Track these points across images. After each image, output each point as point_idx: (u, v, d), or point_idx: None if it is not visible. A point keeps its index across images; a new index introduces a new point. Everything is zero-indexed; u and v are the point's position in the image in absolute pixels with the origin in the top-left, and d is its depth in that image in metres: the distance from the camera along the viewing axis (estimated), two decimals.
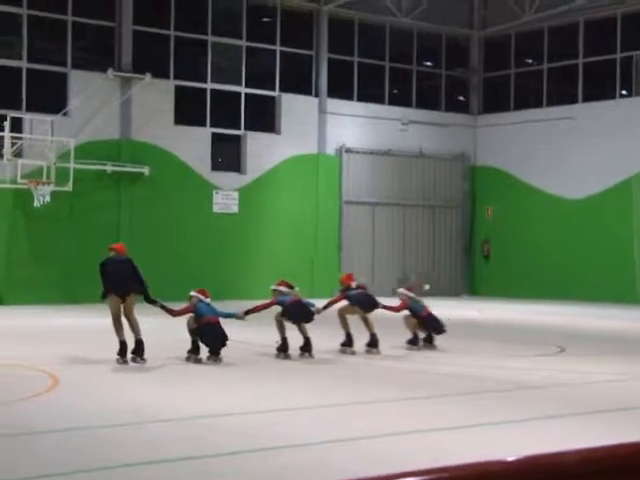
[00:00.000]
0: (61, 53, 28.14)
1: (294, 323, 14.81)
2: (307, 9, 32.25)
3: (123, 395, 10.97)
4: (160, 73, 29.30)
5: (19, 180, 26.27)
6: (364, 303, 15.63)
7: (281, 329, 14.83)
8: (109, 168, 28.18)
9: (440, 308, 27.02)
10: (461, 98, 36.16)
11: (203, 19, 30.35)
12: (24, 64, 27.48)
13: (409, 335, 16.39)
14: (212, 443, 8.25)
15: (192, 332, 14.08)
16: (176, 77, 29.85)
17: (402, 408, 10.38)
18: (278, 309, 14.90)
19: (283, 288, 15.30)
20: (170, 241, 28.98)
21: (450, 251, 35.18)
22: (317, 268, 31.56)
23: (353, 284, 15.89)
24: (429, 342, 16.46)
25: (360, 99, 33.40)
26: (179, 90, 29.90)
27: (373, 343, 15.52)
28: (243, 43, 31.16)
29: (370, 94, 33.73)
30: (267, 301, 15.23)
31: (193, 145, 29.82)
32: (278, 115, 31.65)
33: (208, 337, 13.95)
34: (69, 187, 26.73)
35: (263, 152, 31.08)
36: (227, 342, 13.97)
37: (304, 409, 10.16)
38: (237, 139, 31.15)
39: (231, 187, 30.58)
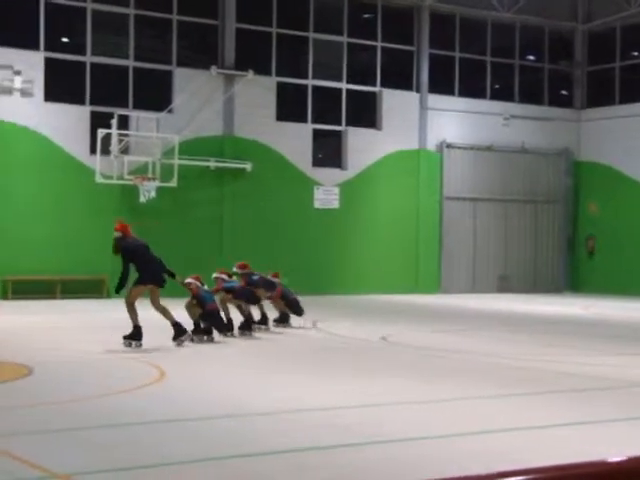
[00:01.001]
0: (166, 51, 28.79)
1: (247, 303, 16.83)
2: (408, 5, 32.34)
3: (224, 386, 11.30)
4: (262, 70, 29.75)
5: (126, 176, 27.01)
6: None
7: (226, 311, 16.47)
8: (212, 164, 28.75)
9: (542, 305, 27.10)
10: (564, 92, 35.82)
11: (305, 16, 30.70)
12: (131, 63, 28.22)
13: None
14: (306, 436, 8.50)
15: (199, 317, 15.72)
16: (278, 74, 30.26)
17: (511, 404, 10.47)
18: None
19: (224, 276, 17.10)
20: (271, 236, 29.42)
21: (552, 247, 34.91)
22: (418, 264, 31.73)
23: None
24: (285, 321, 18.65)
25: (461, 94, 33.38)
26: (281, 86, 30.31)
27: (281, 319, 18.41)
28: (344, 39, 31.43)
29: (471, 89, 33.68)
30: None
31: (294, 141, 30.21)
32: (379, 111, 31.85)
33: (216, 322, 15.89)
34: (174, 183, 27.37)
35: (364, 148, 31.32)
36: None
37: (405, 404, 10.36)
38: (338, 135, 31.45)
39: (332, 182, 30.90)
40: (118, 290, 14.92)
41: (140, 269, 14.92)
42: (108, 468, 7.08)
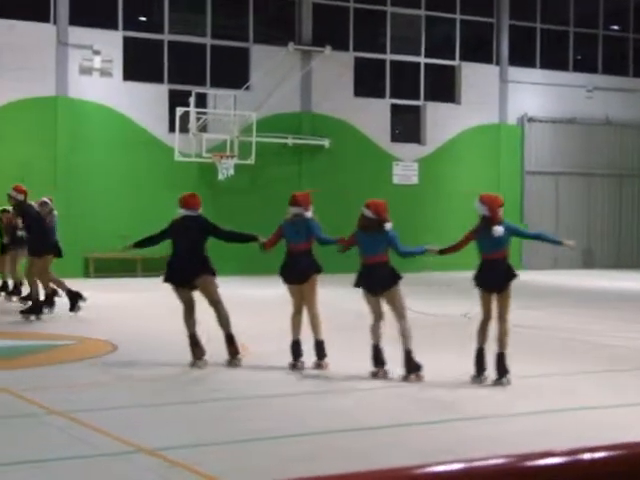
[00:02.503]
0: (243, 29, 28.98)
1: None
2: None
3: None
4: (340, 45, 29.78)
5: (204, 154, 27.29)
6: None
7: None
8: (290, 141, 28.90)
9: (625, 281, 26.79)
10: None
11: None
12: (208, 41, 28.47)
13: None
14: (403, 412, 8.61)
15: None
16: (355, 49, 30.27)
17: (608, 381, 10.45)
18: None
19: None
20: (350, 213, 29.44)
21: (636, 221, 34.44)
22: None
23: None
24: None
25: (543, 66, 33.01)
26: (359, 62, 30.33)
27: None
28: (422, 12, 31.28)
29: (553, 61, 33.29)
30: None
31: (373, 116, 30.23)
32: (458, 85, 31.68)
33: None
34: (252, 160, 27.59)
35: (443, 122, 31.21)
36: None
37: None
38: (417, 110, 31.38)
39: (411, 158, 30.87)
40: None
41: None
42: (192, 443, 7.26)
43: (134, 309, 18.12)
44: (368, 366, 10.43)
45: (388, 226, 10.72)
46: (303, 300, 11.23)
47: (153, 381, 10.11)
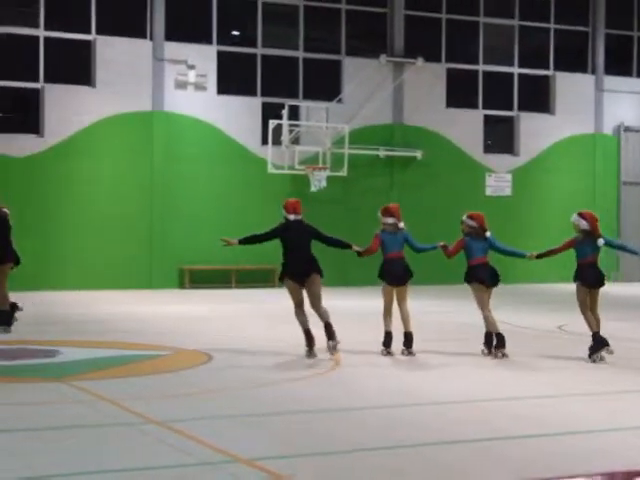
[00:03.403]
0: (335, 41, 29.08)
1: None
2: None
3: (399, 376, 11.40)
4: (432, 57, 29.70)
5: (296, 166, 27.45)
6: None
7: None
8: (382, 153, 28.89)
9: None
10: None
11: (475, 1, 30.48)
12: (300, 54, 28.64)
13: None
14: (496, 426, 8.52)
15: None
16: (448, 60, 30.15)
17: None
18: None
19: None
20: (442, 226, 29.32)
21: None
22: None
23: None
24: None
25: None
26: (451, 73, 30.20)
27: None
28: (516, 22, 31.03)
29: None
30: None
31: (465, 127, 30.06)
32: (552, 95, 31.33)
33: None
34: (344, 172, 27.64)
35: (537, 133, 30.89)
36: None
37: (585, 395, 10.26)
38: (510, 120, 31.11)
39: (504, 169, 30.60)
40: None
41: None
42: (287, 454, 7.25)
43: (228, 320, 18.24)
44: (461, 383, 10.33)
45: (489, 234, 13.34)
46: (397, 298, 13.14)
47: (247, 391, 10.16)
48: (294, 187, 27.87)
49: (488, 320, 12.91)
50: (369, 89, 29.04)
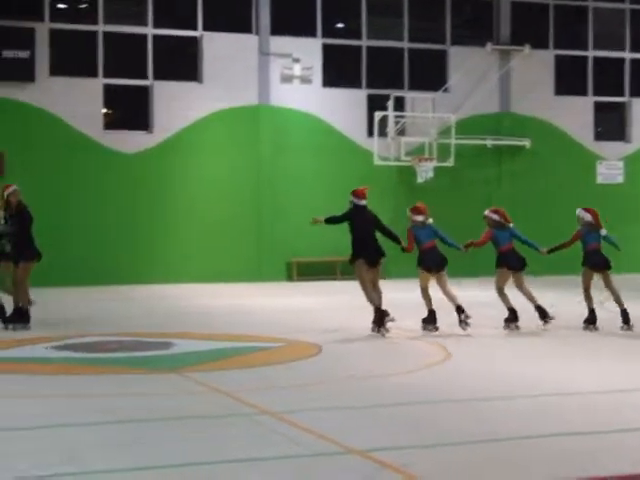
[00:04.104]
0: (440, 31, 28.91)
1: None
2: None
3: (509, 367, 11.33)
4: (539, 44, 29.31)
5: (402, 157, 27.42)
6: None
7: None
8: (489, 142, 28.64)
9: None
10: None
11: None
12: (405, 44, 28.55)
13: None
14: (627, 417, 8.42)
15: None
16: (556, 47, 29.72)
17: None
18: None
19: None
20: (551, 214, 28.96)
21: None
22: None
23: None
24: None
25: None
26: (559, 60, 29.77)
27: None
28: (627, 6, 30.41)
29: None
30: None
31: (574, 115, 29.60)
32: None
33: None
34: (451, 162, 27.50)
35: None
36: None
37: None
38: (621, 106, 30.53)
39: (616, 156, 30.05)
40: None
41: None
42: (398, 445, 7.26)
43: (336, 311, 18.32)
44: (564, 372, 10.21)
45: (512, 225, 15.32)
46: (439, 283, 14.65)
47: (358, 382, 10.21)
48: (400, 178, 27.84)
49: (505, 298, 14.89)
50: (475, 78, 28.81)
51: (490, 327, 14.86)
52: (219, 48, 26.66)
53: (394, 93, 27.62)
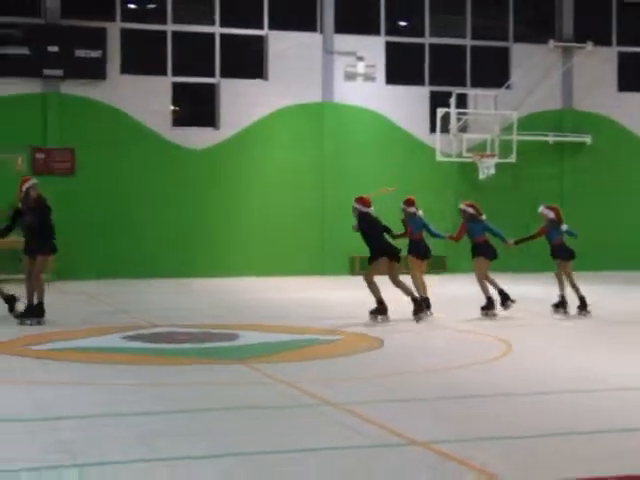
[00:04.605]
0: (503, 28, 28.72)
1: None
2: None
3: (571, 361, 11.25)
4: (602, 40, 28.98)
5: (464, 154, 27.31)
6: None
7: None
8: (551, 139, 28.39)
9: None
10: None
11: None
12: (468, 42, 28.41)
13: None
14: None
15: None
16: (619, 43, 29.36)
17: None
18: None
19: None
20: (614, 211, 28.67)
21: None
22: None
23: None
24: None
25: None
26: (622, 56, 29.40)
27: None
28: None
29: None
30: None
31: (638, 111, 29.23)
32: None
33: None
34: (512, 159, 27.32)
35: None
36: None
37: None
38: None
39: None
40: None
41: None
42: (461, 438, 7.25)
43: (398, 304, 18.28)
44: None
45: (484, 217, 16.18)
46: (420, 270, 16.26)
47: (418, 375, 10.20)
48: (462, 175, 27.73)
49: (486, 290, 15.84)
50: (538, 75, 28.58)
51: (551, 320, 14.77)
52: (284, 46, 26.75)
53: (456, 90, 27.51)
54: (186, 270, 25.48)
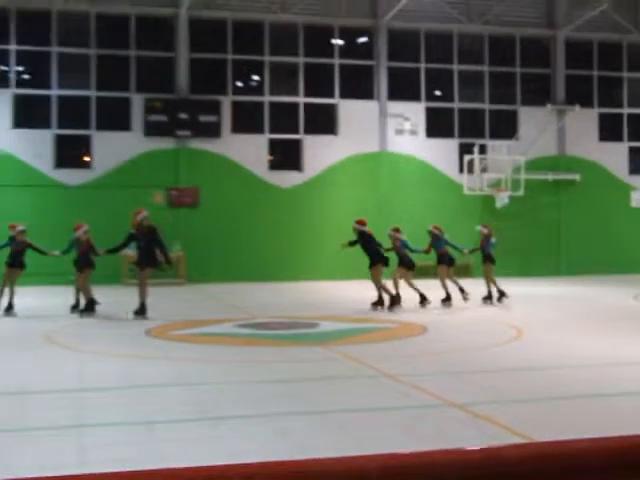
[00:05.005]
0: (512, 95, 28.43)
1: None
2: None
3: (574, 345, 11.10)
4: (586, 103, 28.57)
5: (485, 189, 27.08)
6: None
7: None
8: (550, 177, 28.01)
9: None
10: None
11: (619, 59, 29.13)
12: (486, 106, 28.17)
13: None
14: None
15: None
16: (600, 105, 28.92)
17: None
18: None
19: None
20: (599, 232, 28.22)
21: None
22: None
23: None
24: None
25: None
26: (602, 115, 28.96)
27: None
28: None
29: None
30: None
31: (615, 156, 28.76)
32: None
33: None
34: (521, 192, 27.02)
35: None
36: None
37: None
38: None
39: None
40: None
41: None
42: (490, 400, 7.21)
43: (438, 303, 18.18)
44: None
45: (446, 236, 16.53)
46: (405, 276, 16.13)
47: (456, 353, 10.13)
48: (484, 205, 27.49)
49: (446, 288, 16.04)
50: (539, 129, 28.23)
51: (560, 310, 14.55)
52: (350, 111, 26.84)
53: (478, 141, 27.31)
54: (283, 275, 25.63)
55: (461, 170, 27.23)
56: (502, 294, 16.28)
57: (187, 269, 24.63)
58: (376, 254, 15.57)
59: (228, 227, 25.79)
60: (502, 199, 26.65)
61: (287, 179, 26.52)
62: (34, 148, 24.45)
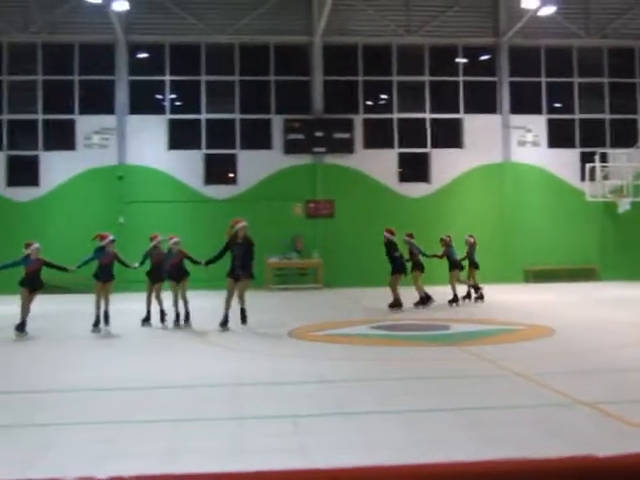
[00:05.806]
0: (632, 105, 27.16)
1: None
2: None
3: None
4: None
5: (607, 195, 25.96)
6: None
7: None
8: None
9: None
10: None
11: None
12: (607, 116, 27.04)
13: None
14: None
15: None
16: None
17: None
18: None
19: None
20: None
21: None
22: None
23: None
24: None
25: None
26: None
27: None
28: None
29: None
30: None
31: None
32: None
33: None
34: None
35: None
36: None
37: None
38: None
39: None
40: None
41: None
42: (622, 400, 6.87)
43: (563, 305, 17.58)
44: None
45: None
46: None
47: (583, 353, 9.71)
48: (606, 210, 26.36)
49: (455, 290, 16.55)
50: None
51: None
52: (474, 124, 26.40)
53: (599, 150, 26.22)
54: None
55: (583, 178, 26.22)
56: (468, 296, 17.28)
57: (324, 275, 24.89)
58: (399, 262, 15.70)
59: (361, 236, 25.89)
60: (624, 205, 25.47)
61: (416, 190, 26.36)
62: (187, 167, 25.42)
